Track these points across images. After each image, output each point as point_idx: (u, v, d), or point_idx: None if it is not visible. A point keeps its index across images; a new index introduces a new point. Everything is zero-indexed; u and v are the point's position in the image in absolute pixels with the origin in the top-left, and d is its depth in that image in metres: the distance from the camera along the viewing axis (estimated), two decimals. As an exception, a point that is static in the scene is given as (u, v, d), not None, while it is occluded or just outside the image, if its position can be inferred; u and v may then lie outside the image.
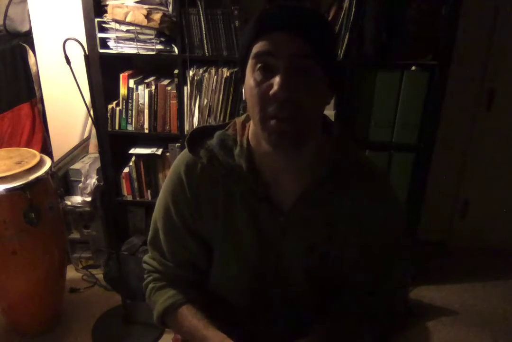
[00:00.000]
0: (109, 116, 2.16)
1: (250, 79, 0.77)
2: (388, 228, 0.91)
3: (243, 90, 0.84)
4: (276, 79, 0.73)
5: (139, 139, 2.33)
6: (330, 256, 0.89)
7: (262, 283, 0.91)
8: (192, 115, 2.13)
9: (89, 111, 2.08)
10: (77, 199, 2.28)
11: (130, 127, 2.17)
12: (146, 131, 2.17)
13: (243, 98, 0.84)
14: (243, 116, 0.92)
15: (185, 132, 2.16)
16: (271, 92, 0.73)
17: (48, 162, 1.87)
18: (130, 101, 2.14)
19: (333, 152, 0.87)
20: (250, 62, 0.78)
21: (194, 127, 2.14)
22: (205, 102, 2.09)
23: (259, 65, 0.76)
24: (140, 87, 2.12)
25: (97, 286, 2.29)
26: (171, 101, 2.13)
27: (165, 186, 0.94)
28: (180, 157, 0.92)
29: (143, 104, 2.14)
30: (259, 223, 0.87)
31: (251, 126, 0.86)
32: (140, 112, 2.15)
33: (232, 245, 0.89)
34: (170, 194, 0.92)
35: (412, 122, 2.03)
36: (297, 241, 0.88)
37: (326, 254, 0.89)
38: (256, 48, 0.76)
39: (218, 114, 2.10)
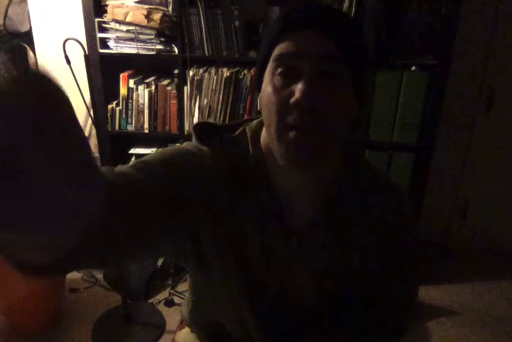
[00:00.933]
0: (109, 116, 2.16)
1: (268, 85, 0.69)
2: (401, 240, 0.86)
3: (258, 99, 0.74)
4: (299, 85, 0.65)
5: (139, 139, 2.33)
6: (341, 274, 0.83)
7: (264, 297, 0.83)
8: (192, 116, 2.13)
9: (89, 111, 2.08)
10: (77, 199, 2.28)
11: (130, 127, 2.17)
12: (146, 131, 2.18)
13: (258, 108, 0.77)
14: (253, 124, 0.81)
15: (185, 132, 2.16)
16: (292, 99, 0.65)
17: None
18: (130, 101, 2.14)
19: (347, 167, 0.80)
20: (270, 65, 0.69)
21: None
22: (205, 102, 2.09)
23: (280, 69, 0.67)
24: (140, 87, 2.12)
25: (97, 286, 2.29)
26: (171, 101, 2.13)
27: (166, 149, 0.78)
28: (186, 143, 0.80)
29: (143, 104, 2.14)
30: (267, 241, 0.78)
31: (264, 137, 0.77)
32: (140, 112, 2.15)
33: (234, 258, 0.78)
34: (177, 150, 0.76)
35: (412, 122, 2.03)
36: (308, 261, 0.81)
37: (337, 272, 0.82)
38: (278, 49, 0.68)
39: (218, 114, 2.10)
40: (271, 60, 0.69)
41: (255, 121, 0.82)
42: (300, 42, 0.66)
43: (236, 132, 0.81)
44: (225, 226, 0.76)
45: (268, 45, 0.70)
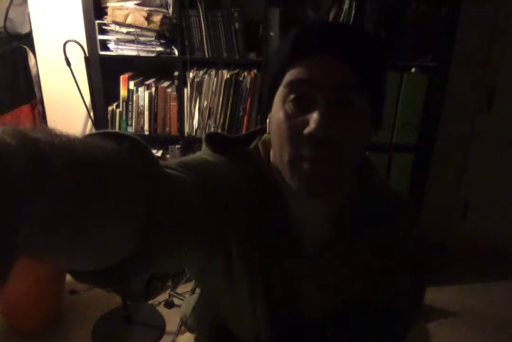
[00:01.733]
0: (109, 118, 2.16)
1: (279, 111, 0.64)
2: (412, 255, 0.85)
3: (267, 121, 0.70)
4: (314, 116, 0.60)
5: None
6: (350, 292, 0.82)
7: (279, 309, 0.82)
8: (192, 117, 2.13)
9: (89, 113, 2.09)
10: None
11: (130, 129, 2.18)
12: (146, 133, 2.18)
13: (267, 132, 0.72)
14: (267, 140, 0.76)
15: (185, 134, 2.16)
16: (307, 130, 0.61)
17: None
18: (130, 103, 2.14)
19: (359, 189, 0.77)
20: (282, 90, 0.65)
21: (195, 129, 2.14)
22: (205, 104, 2.09)
23: (292, 95, 0.63)
24: (140, 89, 2.12)
25: (97, 288, 2.29)
26: (171, 103, 2.13)
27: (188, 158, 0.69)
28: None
29: (143, 106, 2.14)
30: (280, 260, 0.77)
31: (274, 159, 0.72)
32: (140, 114, 2.16)
33: (258, 273, 0.76)
34: (209, 159, 0.70)
35: (412, 123, 2.03)
36: (318, 281, 0.79)
37: (346, 291, 0.81)
38: (290, 75, 0.63)
39: (218, 116, 2.10)
40: (282, 85, 0.65)
41: (267, 136, 0.76)
42: (313, 70, 0.61)
43: (251, 146, 0.77)
44: (248, 241, 0.73)
45: (279, 68, 0.66)
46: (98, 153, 0.41)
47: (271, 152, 0.74)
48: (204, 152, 0.73)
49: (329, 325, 0.85)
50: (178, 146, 2.20)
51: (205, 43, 2.00)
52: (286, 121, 0.63)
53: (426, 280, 0.94)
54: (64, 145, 0.36)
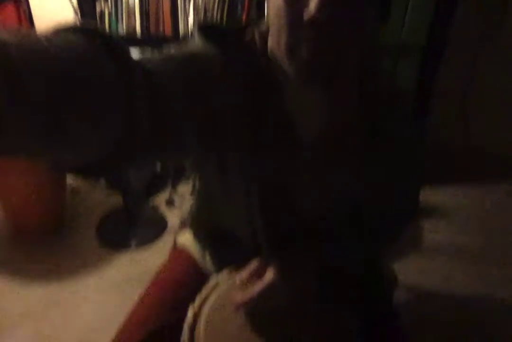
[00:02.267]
0: (98, 18, 2.03)
1: None
2: (411, 156, 0.85)
3: (265, 2, 0.70)
4: None
5: (131, 41, 2.21)
6: (345, 194, 0.81)
7: (275, 205, 0.82)
8: (187, 15, 1.99)
9: (76, 13, 1.97)
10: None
11: (121, 28, 2.05)
12: (139, 33, 2.06)
13: (265, 16, 0.67)
14: (264, 28, 0.72)
15: (180, 34, 2.04)
16: (307, 14, 0.57)
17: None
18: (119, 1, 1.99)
19: (363, 83, 0.74)
20: None
21: (191, 27, 2.02)
22: (200, 0, 1.94)
23: None
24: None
25: (98, 187, 2.33)
26: (163, 0, 1.98)
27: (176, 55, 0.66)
28: None
29: (133, 4, 1.99)
30: (279, 151, 0.75)
31: (272, 45, 0.69)
32: (131, 14, 2.01)
33: (253, 166, 0.75)
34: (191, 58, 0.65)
35: (422, 21, 1.90)
36: (317, 173, 0.78)
37: (344, 183, 0.80)
38: None
39: (215, 13, 1.96)
40: None
41: (264, 25, 0.72)
42: None
43: (247, 36, 0.73)
44: (244, 133, 0.71)
45: None
46: (70, 58, 0.40)
47: (269, 41, 0.69)
48: (197, 44, 0.69)
49: (323, 229, 0.86)
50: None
51: None
52: (285, 7, 0.59)
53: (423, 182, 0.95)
54: (33, 48, 0.36)
